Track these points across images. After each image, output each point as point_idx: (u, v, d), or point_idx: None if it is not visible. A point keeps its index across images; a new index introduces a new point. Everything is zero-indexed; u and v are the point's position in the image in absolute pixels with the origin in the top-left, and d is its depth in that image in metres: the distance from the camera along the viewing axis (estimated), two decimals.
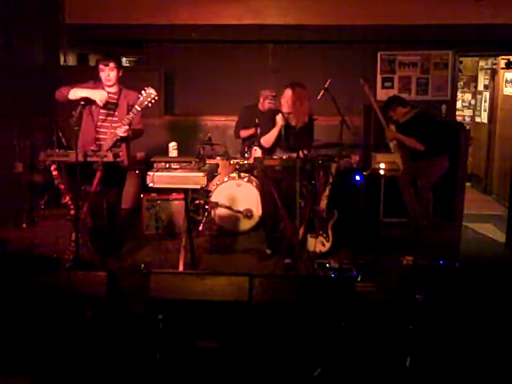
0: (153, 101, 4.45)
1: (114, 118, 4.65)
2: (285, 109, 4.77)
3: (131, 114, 4.49)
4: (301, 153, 4.40)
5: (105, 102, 4.55)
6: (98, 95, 4.53)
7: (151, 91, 4.44)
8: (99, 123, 4.66)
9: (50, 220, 6.05)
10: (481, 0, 6.76)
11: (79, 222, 4.30)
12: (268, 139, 4.83)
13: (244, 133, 6.28)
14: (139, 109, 4.46)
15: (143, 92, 4.45)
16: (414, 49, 7.29)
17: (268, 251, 5.14)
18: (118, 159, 4.43)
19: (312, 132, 5.02)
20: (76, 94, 4.50)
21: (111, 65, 4.61)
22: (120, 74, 4.68)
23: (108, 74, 4.62)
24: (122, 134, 4.53)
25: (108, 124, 4.66)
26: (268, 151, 4.92)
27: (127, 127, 4.53)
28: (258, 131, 5.32)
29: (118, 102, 4.68)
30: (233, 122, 6.52)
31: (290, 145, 4.76)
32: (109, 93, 4.65)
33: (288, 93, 4.75)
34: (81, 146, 4.53)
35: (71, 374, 3.02)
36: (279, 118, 4.73)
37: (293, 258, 4.74)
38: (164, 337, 3.11)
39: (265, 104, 6.13)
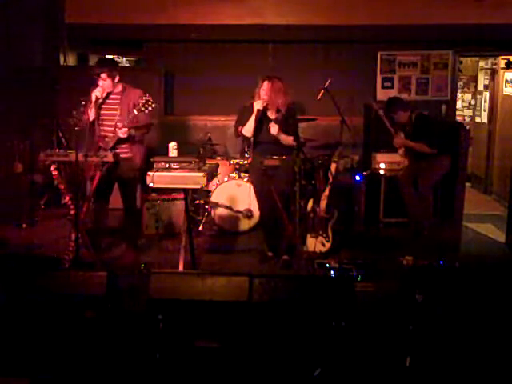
0: (150, 108, 4.52)
1: (117, 117, 4.67)
2: (262, 98, 4.85)
3: (130, 117, 4.54)
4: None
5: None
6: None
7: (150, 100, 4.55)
8: (100, 121, 4.70)
9: (50, 220, 6.05)
10: (481, 0, 6.75)
11: (79, 222, 4.30)
12: (248, 128, 4.89)
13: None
14: (136, 113, 4.52)
15: (143, 97, 4.54)
16: (414, 49, 7.27)
17: (269, 254, 5.05)
18: (124, 156, 4.61)
19: (294, 122, 4.99)
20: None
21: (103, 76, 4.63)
22: (116, 80, 4.71)
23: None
24: (123, 136, 4.59)
25: (110, 123, 4.69)
26: (254, 144, 4.93)
27: (127, 129, 4.57)
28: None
29: (121, 101, 4.70)
30: (233, 122, 6.50)
31: (264, 134, 4.84)
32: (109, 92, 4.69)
33: (265, 84, 4.87)
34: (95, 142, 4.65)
35: (71, 374, 3.02)
36: (256, 104, 4.82)
37: (291, 255, 4.76)
38: (164, 337, 3.10)
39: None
